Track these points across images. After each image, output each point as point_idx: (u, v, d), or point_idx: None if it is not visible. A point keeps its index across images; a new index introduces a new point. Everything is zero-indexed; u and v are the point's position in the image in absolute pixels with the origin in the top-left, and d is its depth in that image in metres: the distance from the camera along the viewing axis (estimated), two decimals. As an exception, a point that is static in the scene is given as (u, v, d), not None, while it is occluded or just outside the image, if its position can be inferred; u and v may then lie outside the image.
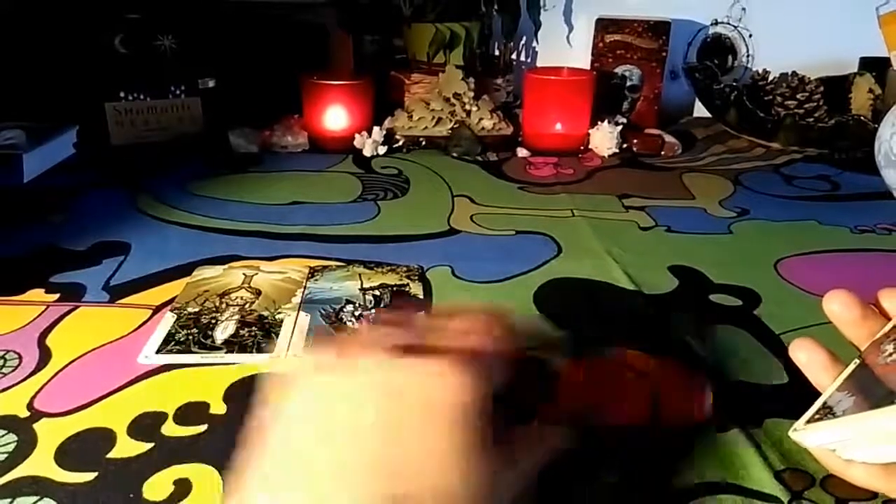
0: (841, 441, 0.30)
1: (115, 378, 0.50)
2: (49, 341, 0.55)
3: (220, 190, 0.91)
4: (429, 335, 0.32)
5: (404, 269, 0.68)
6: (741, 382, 0.51)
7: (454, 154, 1.08)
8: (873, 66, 1.19)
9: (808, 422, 0.32)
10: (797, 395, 0.35)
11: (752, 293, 0.64)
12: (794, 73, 1.20)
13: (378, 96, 1.15)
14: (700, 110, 1.33)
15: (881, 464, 0.30)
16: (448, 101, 1.12)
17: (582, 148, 1.12)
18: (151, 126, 1.09)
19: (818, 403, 0.32)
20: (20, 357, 0.53)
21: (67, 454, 0.43)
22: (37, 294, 0.62)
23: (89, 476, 0.41)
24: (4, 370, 0.51)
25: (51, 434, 0.44)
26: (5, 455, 0.42)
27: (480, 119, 1.11)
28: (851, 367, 0.32)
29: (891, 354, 0.30)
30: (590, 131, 1.12)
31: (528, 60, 1.41)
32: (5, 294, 0.62)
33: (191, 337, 0.55)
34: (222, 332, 0.56)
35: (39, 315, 0.59)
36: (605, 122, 1.12)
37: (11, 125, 0.96)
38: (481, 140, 1.09)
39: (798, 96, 1.16)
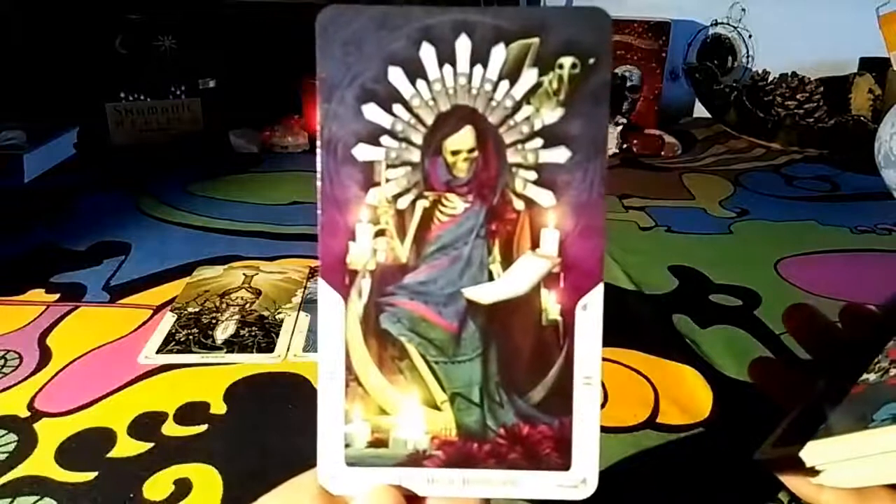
0: (812, 465, 0.26)
1: (116, 378, 0.50)
2: (49, 341, 0.55)
3: (220, 190, 0.91)
4: None
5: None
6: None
7: (454, 154, 1.08)
8: (873, 66, 1.19)
9: (775, 445, 0.28)
10: None
11: (752, 293, 0.64)
12: (794, 74, 1.20)
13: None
14: (700, 111, 1.33)
15: (855, 488, 0.26)
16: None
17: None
18: (151, 126, 1.09)
19: (784, 424, 0.29)
20: (20, 357, 0.53)
21: (68, 454, 0.43)
22: (37, 294, 0.62)
23: (89, 476, 0.41)
24: (5, 370, 0.51)
25: (51, 434, 0.44)
26: (5, 455, 0.42)
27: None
28: (818, 388, 0.29)
29: (865, 378, 0.28)
30: (590, 131, 1.12)
31: (528, 61, 1.40)
32: (5, 294, 0.62)
33: (191, 337, 0.55)
34: (222, 332, 0.56)
35: (40, 315, 0.59)
36: (605, 122, 1.12)
37: (12, 125, 0.96)
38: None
39: (798, 97, 1.16)
